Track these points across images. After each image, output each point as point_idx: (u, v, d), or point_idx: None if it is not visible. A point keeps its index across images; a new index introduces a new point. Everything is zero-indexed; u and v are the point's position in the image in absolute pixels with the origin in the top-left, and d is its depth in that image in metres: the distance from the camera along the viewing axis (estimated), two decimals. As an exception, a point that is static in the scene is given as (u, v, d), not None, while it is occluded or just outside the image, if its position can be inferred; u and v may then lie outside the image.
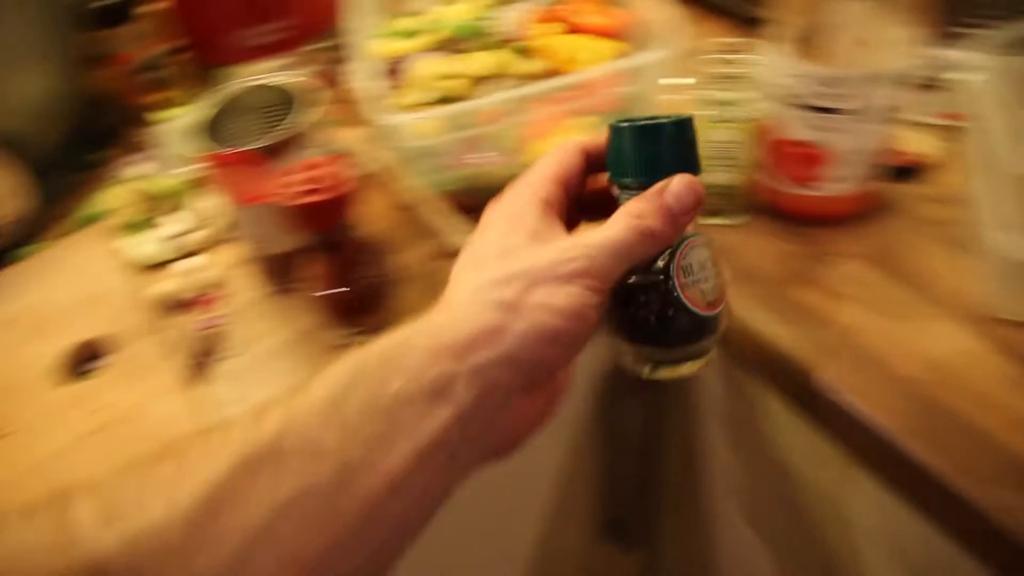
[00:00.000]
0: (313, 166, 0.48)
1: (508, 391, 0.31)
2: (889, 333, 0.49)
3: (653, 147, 0.34)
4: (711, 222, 0.58)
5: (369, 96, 0.56)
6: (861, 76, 0.49)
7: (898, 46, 0.49)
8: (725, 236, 0.57)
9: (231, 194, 0.55)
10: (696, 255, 0.35)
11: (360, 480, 0.28)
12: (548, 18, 0.63)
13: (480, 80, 0.60)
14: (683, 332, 0.35)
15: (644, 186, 0.34)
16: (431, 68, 0.60)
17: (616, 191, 0.36)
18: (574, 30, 0.62)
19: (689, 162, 0.35)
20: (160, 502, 0.26)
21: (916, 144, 0.60)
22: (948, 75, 0.62)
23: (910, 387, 0.46)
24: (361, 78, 0.58)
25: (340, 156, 0.55)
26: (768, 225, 0.58)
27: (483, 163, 0.58)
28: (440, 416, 0.29)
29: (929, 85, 0.65)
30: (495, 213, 0.35)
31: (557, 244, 0.33)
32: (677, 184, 0.33)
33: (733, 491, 0.73)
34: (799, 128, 0.52)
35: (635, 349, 0.37)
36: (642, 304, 0.35)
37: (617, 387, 0.70)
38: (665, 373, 0.37)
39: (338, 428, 0.28)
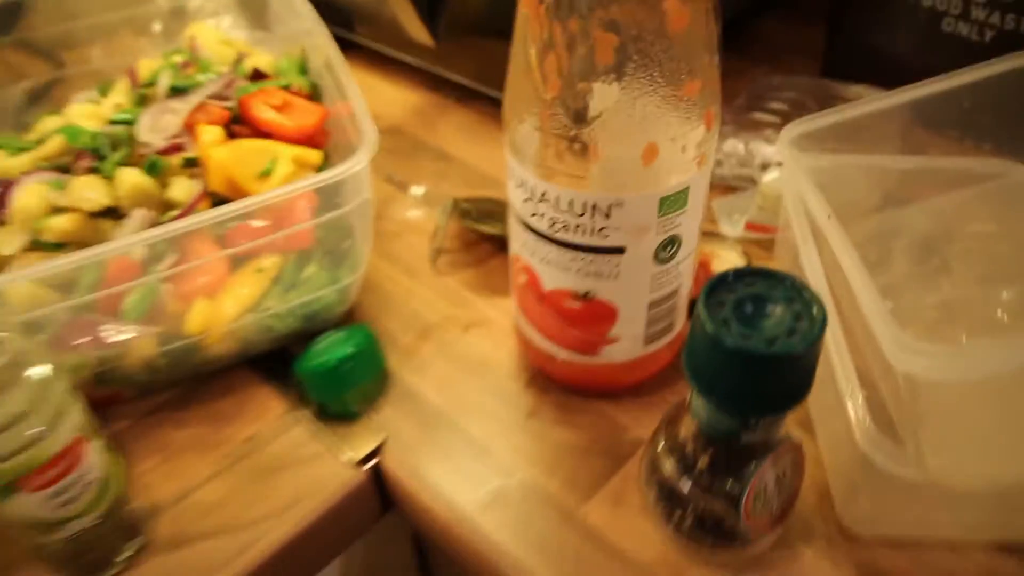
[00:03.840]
0: None
1: None
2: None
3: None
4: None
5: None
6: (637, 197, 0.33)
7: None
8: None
9: None
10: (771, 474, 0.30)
11: None
12: (216, 119, 0.44)
13: (107, 213, 0.41)
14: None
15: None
16: (35, 198, 0.41)
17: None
18: (254, 133, 0.44)
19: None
20: None
21: (728, 265, 0.47)
22: (759, 176, 0.51)
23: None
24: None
25: None
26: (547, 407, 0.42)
27: (119, 339, 0.38)
28: None
29: (738, 187, 0.53)
30: None
31: None
32: None
33: None
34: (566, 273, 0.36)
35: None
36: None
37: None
38: None
39: None
